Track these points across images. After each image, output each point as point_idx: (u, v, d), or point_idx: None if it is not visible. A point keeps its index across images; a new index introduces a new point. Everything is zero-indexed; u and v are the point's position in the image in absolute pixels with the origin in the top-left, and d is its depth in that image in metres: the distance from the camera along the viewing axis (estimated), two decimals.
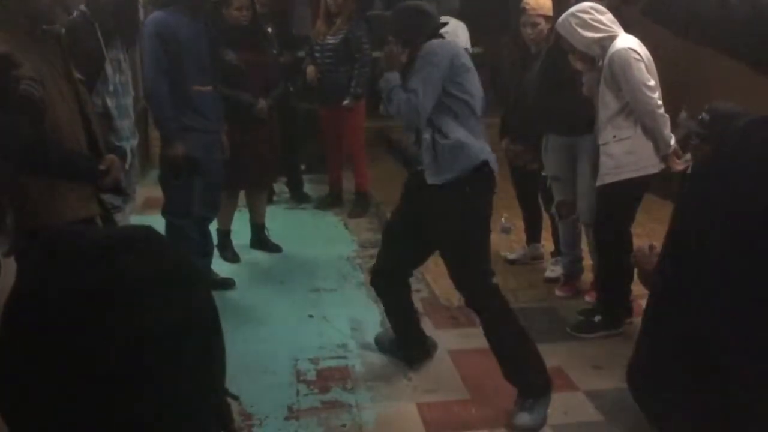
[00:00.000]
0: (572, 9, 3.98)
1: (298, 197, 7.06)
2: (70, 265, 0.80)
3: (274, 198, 6.89)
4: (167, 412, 0.81)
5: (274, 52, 5.78)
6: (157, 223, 4.30)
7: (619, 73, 3.89)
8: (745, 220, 0.84)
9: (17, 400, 0.81)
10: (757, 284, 0.80)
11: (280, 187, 7.11)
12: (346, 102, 6.33)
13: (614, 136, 4.00)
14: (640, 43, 3.97)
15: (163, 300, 0.81)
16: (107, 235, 0.85)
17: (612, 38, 3.93)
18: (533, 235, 5.41)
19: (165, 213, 4.60)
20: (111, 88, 4.03)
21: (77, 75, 3.01)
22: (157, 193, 4.75)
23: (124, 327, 0.78)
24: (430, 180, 3.45)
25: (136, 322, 0.78)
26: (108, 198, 3.15)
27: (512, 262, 5.39)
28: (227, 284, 5.02)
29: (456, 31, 6.27)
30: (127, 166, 3.51)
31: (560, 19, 4.02)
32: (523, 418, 3.39)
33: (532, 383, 3.44)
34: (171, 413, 0.81)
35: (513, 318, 3.49)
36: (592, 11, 3.95)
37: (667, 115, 4.00)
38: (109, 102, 3.99)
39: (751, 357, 0.78)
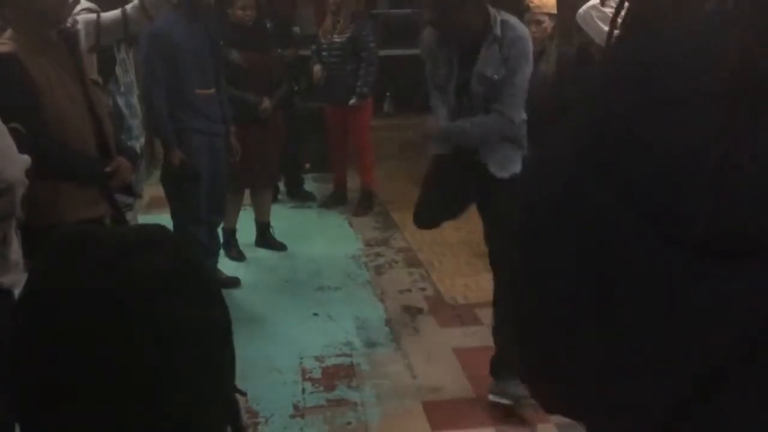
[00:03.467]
0: (593, 1, 3.96)
1: (298, 195, 7.04)
2: (86, 266, 0.80)
3: (279, 197, 6.88)
4: (182, 408, 0.82)
5: (279, 51, 5.78)
6: (162, 222, 4.30)
7: None
8: None
9: (32, 399, 0.82)
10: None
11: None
12: (352, 101, 6.33)
13: None
14: None
15: (180, 299, 0.82)
16: (122, 235, 0.86)
17: None
18: None
19: (174, 218, 4.58)
20: (122, 88, 4.04)
21: (94, 76, 3.00)
22: (162, 192, 4.75)
23: (141, 326, 0.79)
24: (499, 175, 3.28)
25: (154, 322, 0.79)
26: (120, 197, 3.15)
27: None
28: (232, 283, 5.02)
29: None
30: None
31: (581, 11, 3.99)
32: (518, 386, 3.21)
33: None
34: (186, 410, 0.83)
35: None
36: (614, 5, 3.92)
37: None
38: (120, 101, 4.01)
39: None
